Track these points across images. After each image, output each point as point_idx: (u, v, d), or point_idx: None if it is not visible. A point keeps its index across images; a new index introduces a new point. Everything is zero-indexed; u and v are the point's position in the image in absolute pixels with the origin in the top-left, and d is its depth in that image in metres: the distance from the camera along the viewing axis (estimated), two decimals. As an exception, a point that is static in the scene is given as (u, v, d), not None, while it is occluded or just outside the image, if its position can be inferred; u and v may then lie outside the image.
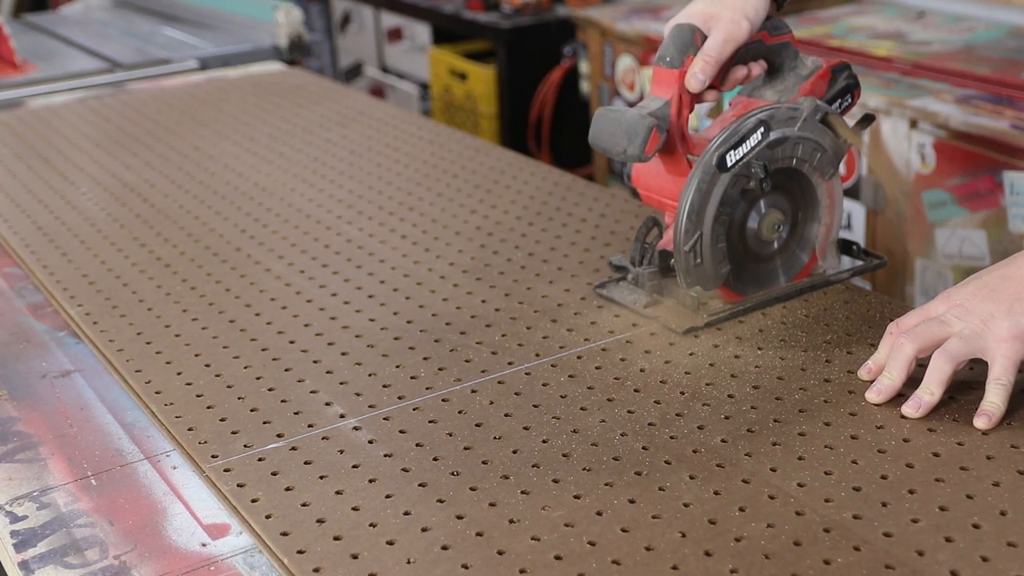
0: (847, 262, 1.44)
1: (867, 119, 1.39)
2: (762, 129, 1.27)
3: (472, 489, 1.05)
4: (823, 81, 1.34)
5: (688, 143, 1.30)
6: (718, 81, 1.31)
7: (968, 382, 1.16)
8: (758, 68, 1.34)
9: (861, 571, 0.92)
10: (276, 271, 1.54)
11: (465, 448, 1.12)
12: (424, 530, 1.00)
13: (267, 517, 1.03)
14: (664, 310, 1.35)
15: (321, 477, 1.08)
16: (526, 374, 1.25)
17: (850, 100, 1.37)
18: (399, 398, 1.22)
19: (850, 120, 1.37)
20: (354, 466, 1.10)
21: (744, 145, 1.26)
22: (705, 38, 1.28)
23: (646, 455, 1.09)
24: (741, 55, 1.31)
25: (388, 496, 1.05)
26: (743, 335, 1.30)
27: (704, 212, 1.26)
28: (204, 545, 1.02)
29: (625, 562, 0.94)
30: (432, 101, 4.13)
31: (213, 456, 1.13)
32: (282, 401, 1.22)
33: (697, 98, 1.30)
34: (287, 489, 1.07)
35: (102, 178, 1.93)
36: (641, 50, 3.01)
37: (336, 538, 0.99)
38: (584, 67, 3.34)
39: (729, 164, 1.26)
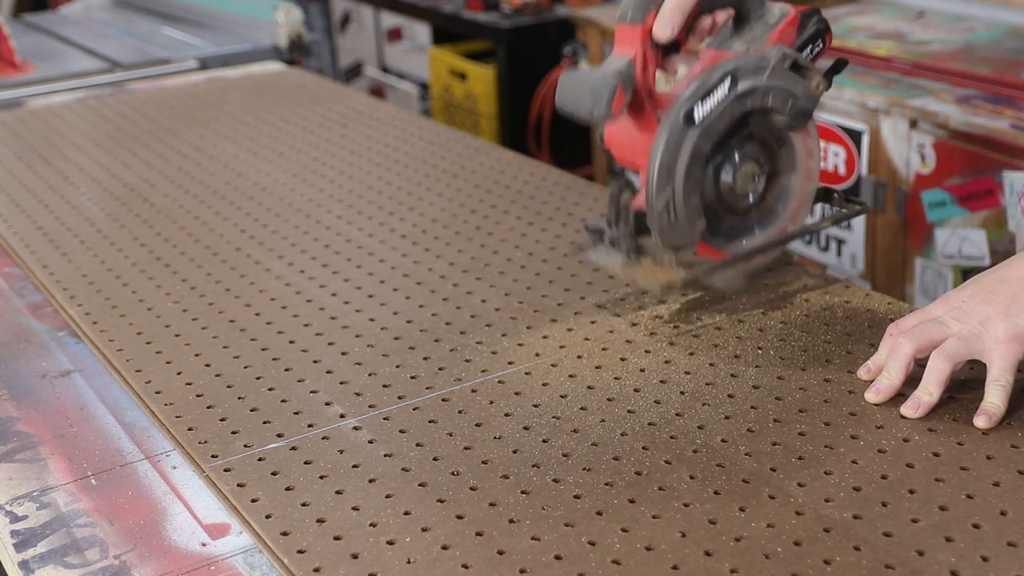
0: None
1: (839, 64, 1.36)
2: (729, 80, 1.24)
3: (472, 489, 1.05)
4: (792, 28, 1.31)
5: (656, 100, 1.27)
6: (683, 35, 1.28)
7: (968, 382, 1.16)
8: (723, 15, 1.31)
9: (861, 571, 0.92)
10: (276, 271, 1.54)
11: (465, 448, 1.12)
12: (424, 530, 1.00)
13: (267, 517, 1.03)
14: (643, 270, 1.33)
15: (321, 477, 1.08)
16: (526, 373, 1.25)
17: (821, 46, 1.33)
18: (399, 398, 1.22)
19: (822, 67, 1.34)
20: (354, 466, 1.10)
21: (711, 98, 1.23)
22: None
23: (646, 455, 1.09)
24: (706, 4, 1.28)
25: (388, 496, 1.05)
26: (743, 335, 1.30)
27: (675, 169, 1.24)
28: (204, 545, 1.02)
29: (625, 562, 0.94)
30: (432, 101, 4.13)
31: (213, 456, 1.13)
32: (282, 401, 1.22)
33: (663, 56, 1.27)
34: (287, 489, 1.07)
35: (102, 178, 1.93)
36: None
37: (336, 538, 0.99)
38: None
39: (697, 119, 1.23)
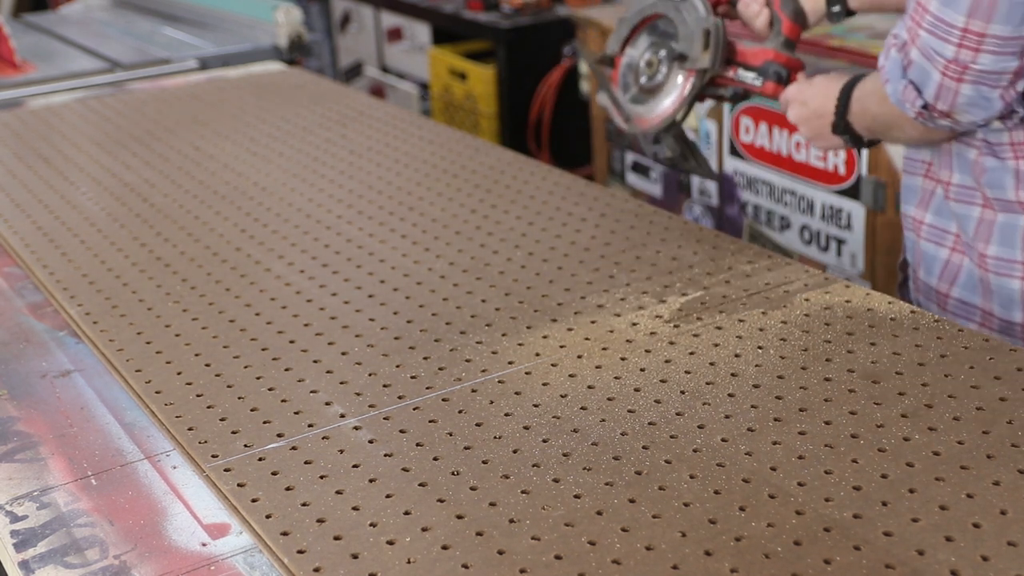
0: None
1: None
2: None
3: (472, 489, 1.05)
4: None
5: None
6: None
7: (968, 381, 1.17)
8: None
9: (861, 571, 0.92)
10: (276, 271, 1.54)
11: (465, 448, 1.12)
12: (424, 530, 1.00)
13: (267, 517, 1.03)
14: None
15: (321, 477, 1.08)
16: (526, 373, 1.25)
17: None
18: (399, 398, 1.21)
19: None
20: (354, 466, 1.10)
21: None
22: None
23: (646, 454, 1.09)
24: None
25: (388, 496, 1.05)
26: (743, 335, 1.30)
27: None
28: (204, 545, 1.02)
29: (625, 562, 0.94)
30: (432, 101, 4.13)
31: (213, 456, 1.13)
32: (282, 401, 1.22)
33: None
34: (287, 489, 1.07)
35: (102, 178, 1.93)
36: (641, 50, 3.00)
37: (336, 538, 0.99)
38: (584, 67, 3.34)
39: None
